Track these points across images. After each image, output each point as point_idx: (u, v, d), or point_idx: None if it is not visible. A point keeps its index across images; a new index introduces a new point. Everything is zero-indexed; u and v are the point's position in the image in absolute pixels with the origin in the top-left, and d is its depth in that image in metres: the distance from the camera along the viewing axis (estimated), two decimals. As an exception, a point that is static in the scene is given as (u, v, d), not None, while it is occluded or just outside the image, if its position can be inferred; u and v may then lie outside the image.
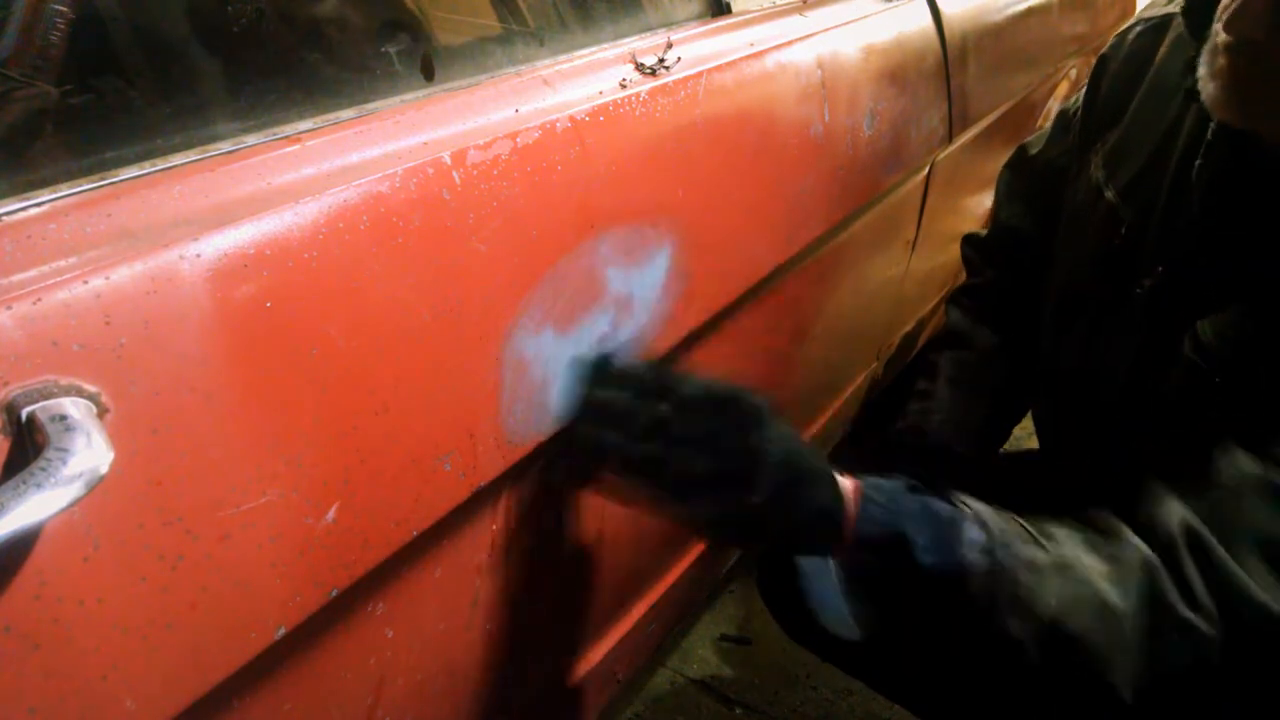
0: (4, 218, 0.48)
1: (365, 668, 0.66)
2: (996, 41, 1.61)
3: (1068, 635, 0.69)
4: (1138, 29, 1.08)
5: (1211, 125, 0.88)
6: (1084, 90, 1.15)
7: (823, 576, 0.73)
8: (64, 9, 0.59)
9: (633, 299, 0.82)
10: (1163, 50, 1.02)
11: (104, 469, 0.42)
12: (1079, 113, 1.16)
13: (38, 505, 0.40)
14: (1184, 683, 0.69)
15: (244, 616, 0.53)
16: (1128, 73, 1.07)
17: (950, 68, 1.43)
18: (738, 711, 1.61)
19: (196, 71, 0.72)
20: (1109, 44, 1.13)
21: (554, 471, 0.78)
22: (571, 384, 0.74)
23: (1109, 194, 1.01)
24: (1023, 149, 1.32)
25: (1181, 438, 0.80)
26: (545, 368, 0.73)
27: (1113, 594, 0.70)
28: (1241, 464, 0.74)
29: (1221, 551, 0.70)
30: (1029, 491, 0.86)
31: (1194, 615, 0.69)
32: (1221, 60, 0.78)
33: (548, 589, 0.89)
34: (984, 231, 1.36)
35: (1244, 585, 0.69)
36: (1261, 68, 0.75)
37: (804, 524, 0.70)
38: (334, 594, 0.58)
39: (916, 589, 0.70)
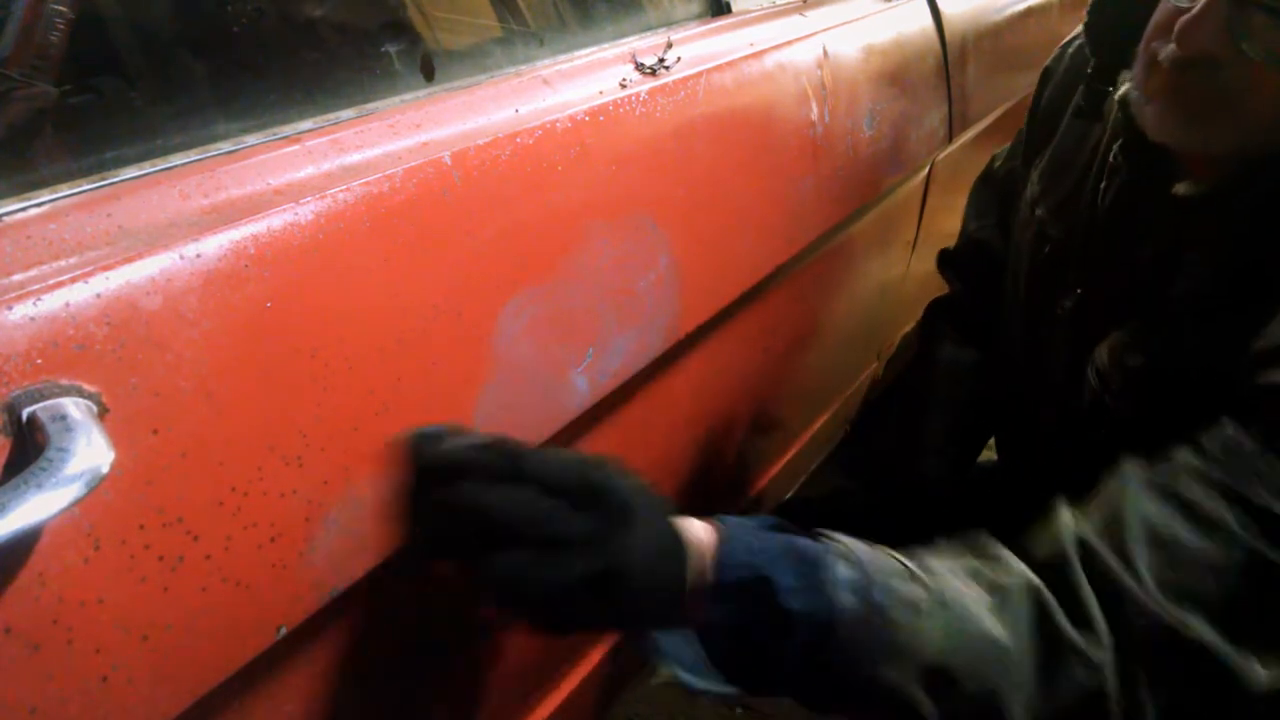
0: (4, 218, 0.48)
1: (365, 668, 0.66)
2: (996, 41, 1.61)
3: (952, 678, 0.62)
4: (1077, 43, 1.02)
5: (1115, 147, 0.84)
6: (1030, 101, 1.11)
7: (685, 646, 0.63)
8: (64, 9, 0.59)
9: (632, 299, 0.82)
10: None
11: (104, 469, 0.42)
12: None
13: (38, 505, 0.40)
14: (1083, 710, 0.63)
15: (244, 616, 0.53)
16: (1064, 86, 1.02)
17: (950, 68, 1.43)
18: (738, 711, 1.61)
19: (196, 71, 0.72)
20: (1052, 55, 1.08)
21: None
22: (405, 471, 0.59)
23: (1040, 211, 0.99)
24: (991, 161, 1.29)
25: (1093, 458, 0.75)
26: (545, 368, 0.73)
27: (997, 628, 0.63)
28: (1128, 472, 0.69)
29: (1113, 561, 0.65)
30: (990, 506, 0.83)
31: (1083, 637, 0.63)
32: (1166, 78, 0.73)
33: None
34: (954, 246, 1.33)
35: (1134, 595, 0.63)
36: (1215, 85, 0.70)
37: (666, 600, 0.60)
38: (334, 594, 0.58)
39: (783, 638, 0.60)
